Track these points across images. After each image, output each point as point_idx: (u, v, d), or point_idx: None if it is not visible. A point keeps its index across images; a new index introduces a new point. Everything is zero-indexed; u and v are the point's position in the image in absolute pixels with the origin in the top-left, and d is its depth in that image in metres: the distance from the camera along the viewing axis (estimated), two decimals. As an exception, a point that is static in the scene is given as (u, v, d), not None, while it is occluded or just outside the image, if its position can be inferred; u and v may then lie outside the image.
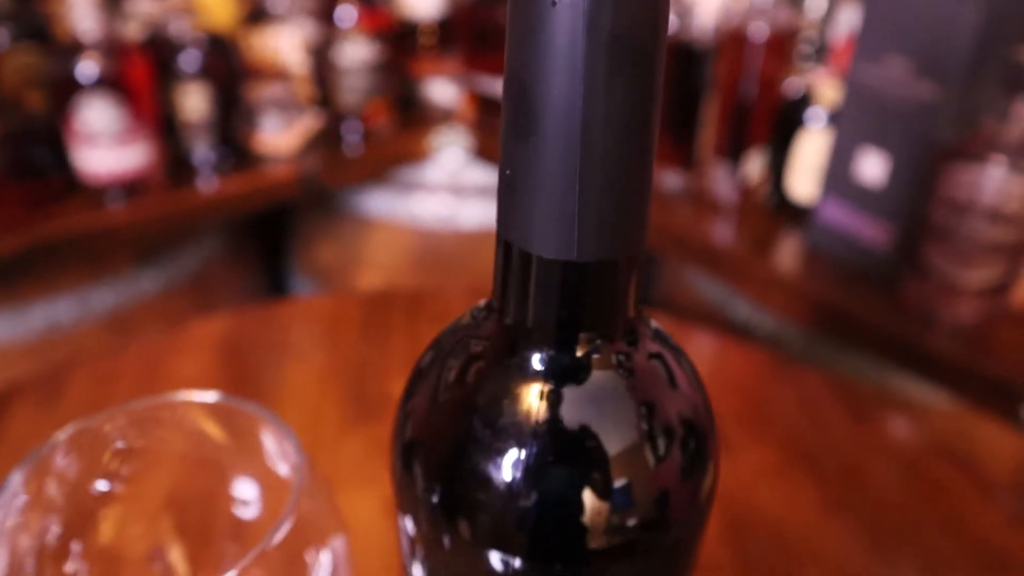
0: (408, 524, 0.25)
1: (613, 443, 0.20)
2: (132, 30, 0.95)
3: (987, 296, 0.75)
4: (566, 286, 0.19)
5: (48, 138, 0.90)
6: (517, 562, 0.22)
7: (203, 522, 0.28)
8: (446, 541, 0.23)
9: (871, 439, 0.63)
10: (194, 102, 0.95)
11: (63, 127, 0.88)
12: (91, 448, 0.25)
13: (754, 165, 0.96)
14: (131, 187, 0.92)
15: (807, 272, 0.88)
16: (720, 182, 0.97)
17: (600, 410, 0.20)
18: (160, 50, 0.93)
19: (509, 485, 0.20)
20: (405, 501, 0.24)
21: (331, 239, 1.19)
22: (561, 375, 0.20)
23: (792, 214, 0.94)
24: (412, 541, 0.25)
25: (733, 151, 0.95)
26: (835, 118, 0.85)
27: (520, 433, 0.20)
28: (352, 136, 1.08)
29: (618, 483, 0.20)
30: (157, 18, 0.96)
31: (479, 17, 1.11)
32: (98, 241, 0.91)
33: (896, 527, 0.55)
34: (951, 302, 0.76)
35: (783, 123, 0.91)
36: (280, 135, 1.04)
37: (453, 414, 0.22)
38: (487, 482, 0.20)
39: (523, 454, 0.20)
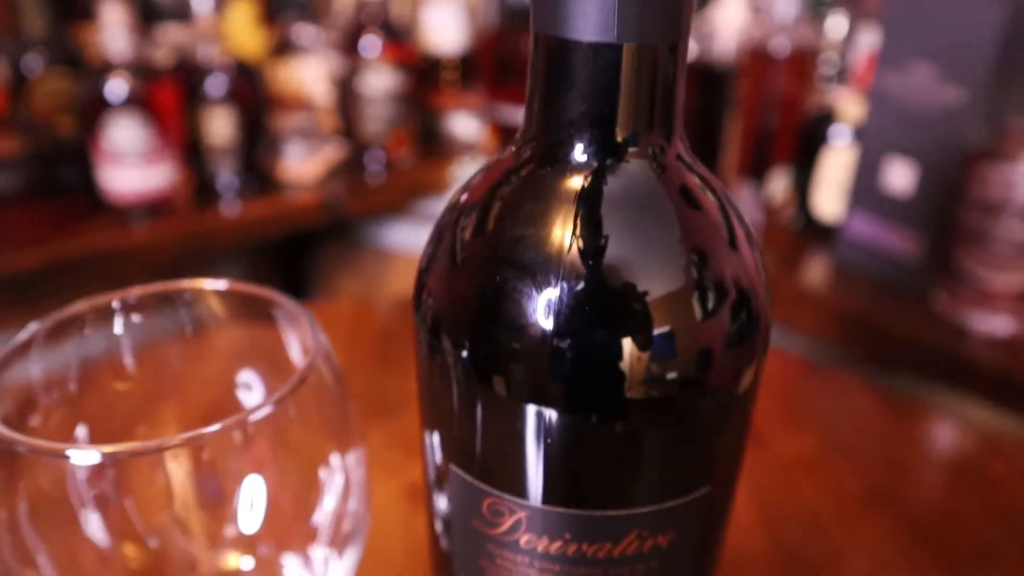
0: (435, 440, 0.24)
1: (653, 246, 0.19)
2: (162, 55, 0.97)
3: (1025, 301, 0.72)
4: (605, 73, 0.18)
5: (75, 158, 0.91)
6: (553, 414, 0.20)
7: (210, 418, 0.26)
8: (478, 410, 0.21)
9: (913, 434, 0.60)
10: (220, 126, 0.96)
11: (90, 146, 0.89)
12: (105, 323, 0.24)
13: (778, 185, 0.95)
14: (155, 207, 0.92)
15: (836, 288, 0.86)
16: (744, 203, 0.96)
17: (641, 213, 0.19)
18: (188, 74, 0.95)
19: (546, 287, 0.19)
20: (433, 393, 0.23)
21: (352, 271, 1.18)
22: (600, 173, 0.19)
23: (818, 233, 0.92)
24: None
25: (756, 171, 0.94)
26: (860, 132, 0.84)
27: (555, 242, 0.19)
28: (374, 165, 1.09)
29: (656, 286, 0.19)
30: (186, 45, 0.98)
31: (503, 47, 1.12)
32: (120, 260, 0.91)
33: (943, 519, 0.51)
34: (987, 308, 0.73)
35: (806, 141, 0.91)
36: (303, 163, 1.05)
37: (480, 252, 0.20)
38: (521, 300, 0.19)
39: (559, 258, 0.19)
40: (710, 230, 0.20)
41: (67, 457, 0.19)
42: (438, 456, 0.24)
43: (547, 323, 0.19)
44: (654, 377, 0.19)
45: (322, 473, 0.26)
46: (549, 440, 0.19)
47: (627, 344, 0.19)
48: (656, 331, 0.19)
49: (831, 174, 0.89)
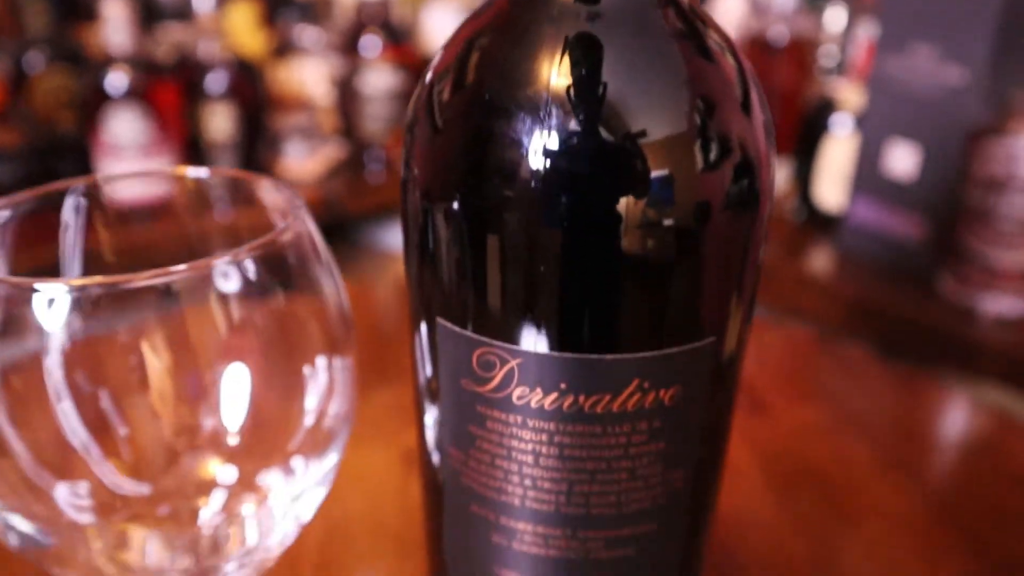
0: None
1: (647, 56, 0.18)
2: (163, 52, 0.97)
3: (1033, 280, 0.71)
4: None
5: (74, 152, 0.91)
6: (544, 250, 0.18)
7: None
8: (469, 257, 0.20)
9: (925, 405, 0.58)
10: (219, 122, 0.96)
11: (90, 140, 0.89)
12: (92, 197, 0.23)
13: (779, 175, 0.95)
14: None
15: (841, 275, 0.85)
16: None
17: (636, 26, 0.18)
18: (189, 71, 0.95)
19: (536, 101, 0.18)
20: (423, 262, 0.22)
21: (351, 271, 1.18)
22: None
23: (821, 223, 0.91)
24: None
25: (758, 162, 0.94)
26: (862, 119, 0.84)
27: (546, 56, 0.18)
28: (374, 165, 1.09)
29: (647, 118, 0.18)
30: (187, 43, 0.98)
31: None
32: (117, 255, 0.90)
33: (958, 484, 0.50)
34: (995, 289, 0.72)
35: (807, 131, 0.90)
36: (303, 162, 1.05)
37: (466, 91, 0.19)
38: (511, 121, 0.18)
39: (549, 72, 0.18)
40: (704, 47, 0.19)
41: (35, 291, 0.18)
42: (424, 327, 0.22)
43: (536, 152, 0.18)
44: (649, 220, 0.18)
45: (306, 370, 0.25)
46: (540, 279, 0.18)
47: (623, 177, 0.18)
48: (655, 173, 0.18)
49: (833, 164, 0.89)
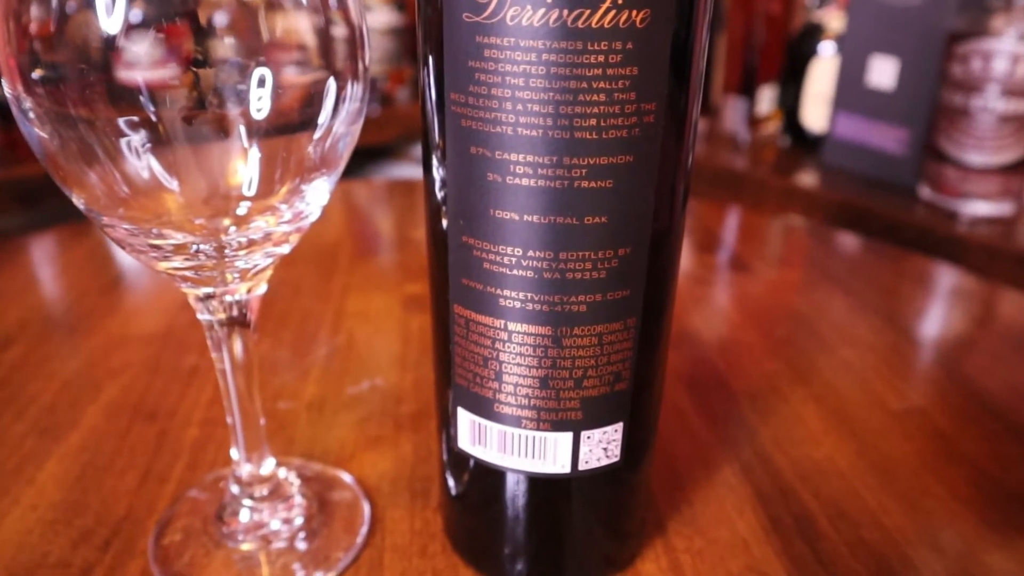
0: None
1: None
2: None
3: (1008, 176, 0.74)
4: None
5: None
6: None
7: None
8: None
9: (905, 268, 0.61)
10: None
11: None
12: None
13: (766, 101, 0.98)
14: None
15: (825, 185, 0.88)
16: (734, 120, 0.98)
17: None
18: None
19: None
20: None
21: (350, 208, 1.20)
22: None
23: (807, 144, 0.94)
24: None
25: (746, 89, 0.97)
26: (843, 39, 0.87)
27: None
28: (372, 103, 1.12)
29: None
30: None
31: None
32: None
33: (936, 328, 0.53)
34: (971, 191, 0.75)
35: (793, 54, 0.94)
36: (305, 98, 1.08)
37: None
38: None
39: None
40: None
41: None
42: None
43: None
44: None
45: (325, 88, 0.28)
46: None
47: None
48: None
49: (818, 87, 0.92)
